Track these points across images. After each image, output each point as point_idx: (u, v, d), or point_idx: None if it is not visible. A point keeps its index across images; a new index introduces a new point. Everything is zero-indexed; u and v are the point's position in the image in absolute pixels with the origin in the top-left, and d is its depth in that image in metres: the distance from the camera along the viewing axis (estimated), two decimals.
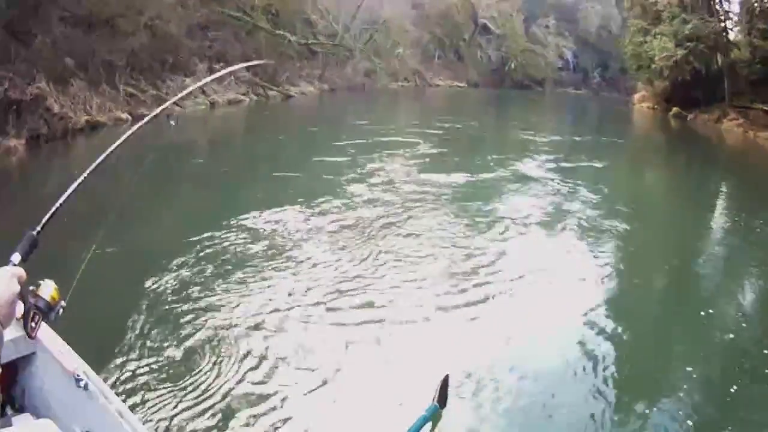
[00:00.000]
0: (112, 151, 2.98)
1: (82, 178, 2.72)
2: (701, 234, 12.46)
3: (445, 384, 5.01)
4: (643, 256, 10.27)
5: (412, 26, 52.31)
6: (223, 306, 6.89)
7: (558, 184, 14.80)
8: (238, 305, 6.92)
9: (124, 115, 20.00)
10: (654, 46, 33.82)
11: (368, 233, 9.80)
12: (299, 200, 11.42)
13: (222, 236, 9.20)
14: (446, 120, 26.92)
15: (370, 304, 7.17)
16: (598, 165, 18.42)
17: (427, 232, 10.07)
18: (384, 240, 9.51)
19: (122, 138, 3.10)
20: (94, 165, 2.81)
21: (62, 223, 2.65)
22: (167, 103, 3.74)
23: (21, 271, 2.02)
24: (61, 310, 2.28)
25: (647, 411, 5.47)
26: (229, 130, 23.87)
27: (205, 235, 9.15)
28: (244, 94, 28.54)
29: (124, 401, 3.79)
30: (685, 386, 5.90)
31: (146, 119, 3.40)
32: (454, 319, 6.99)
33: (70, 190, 2.64)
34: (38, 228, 2.39)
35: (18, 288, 1.95)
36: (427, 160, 17.15)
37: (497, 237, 10.11)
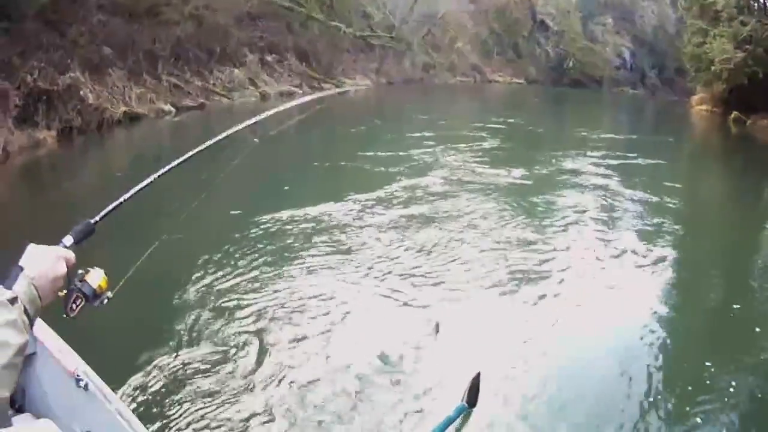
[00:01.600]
0: (197, 152, 2.69)
1: (158, 174, 2.53)
2: (759, 243, 11.53)
3: (476, 382, 4.79)
4: (695, 262, 9.62)
5: (470, 21, 50.18)
6: (283, 294, 6.77)
7: (615, 183, 13.89)
8: (301, 294, 6.79)
9: (167, 107, 18.67)
10: (714, 47, 31.17)
11: (426, 226, 9.54)
12: (357, 192, 11.03)
13: (282, 228, 8.99)
14: (506, 116, 25.44)
15: (420, 297, 6.94)
16: (656, 166, 17.24)
17: (482, 224, 9.81)
18: (441, 232, 9.23)
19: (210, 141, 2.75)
20: (173, 164, 2.62)
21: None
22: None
23: (70, 254, 1.97)
24: (106, 300, 2.13)
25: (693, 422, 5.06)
26: (276, 123, 22.27)
27: (261, 228, 8.93)
28: (297, 87, 26.93)
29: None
30: (732, 398, 5.43)
31: (241, 126, 3.01)
32: (498, 314, 6.73)
33: (141, 185, 2.46)
34: (97, 218, 2.23)
35: (64, 269, 1.91)
36: (487, 154, 16.25)
37: (551, 233, 9.70)
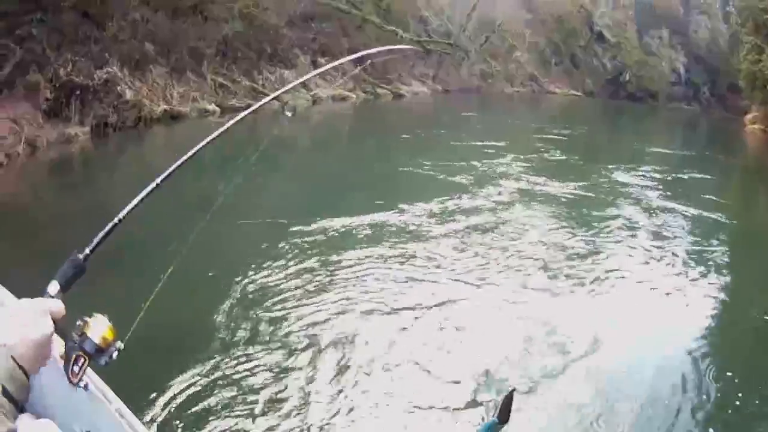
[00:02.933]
0: (195, 153, 2.20)
1: (153, 185, 2.10)
2: None
3: (509, 399, 4.32)
4: (744, 279, 9.12)
5: (528, 29, 48.24)
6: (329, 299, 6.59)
7: (666, 196, 13.51)
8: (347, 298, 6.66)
9: (211, 107, 17.47)
10: None
11: (481, 234, 9.35)
12: (415, 200, 10.68)
13: (335, 236, 8.67)
14: (563, 128, 24.33)
15: (467, 305, 6.80)
16: (707, 182, 16.55)
17: (538, 236, 9.54)
18: (495, 241, 9.08)
19: (210, 137, 2.27)
20: (173, 168, 2.22)
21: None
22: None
23: (58, 305, 1.62)
24: (116, 354, 1.79)
25: None
26: (333, 127, 21.59)
27: (315, 236, 8.57)
28: (350, 91, 25.61)
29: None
30: None
31: (245, 113, 2.52)
32: (541, 328, 6.43)
33: (134, 202, 2.05)
34: (86, 250, 1.79)
35: (51, 328, 1.59)
36: (544, 166, 15.60)
37: (604, 245, 9.48)
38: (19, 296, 1.82)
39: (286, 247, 8.01)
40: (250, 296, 6.53)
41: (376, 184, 12.58)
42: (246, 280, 6.87)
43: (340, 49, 25.56)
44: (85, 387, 2.66)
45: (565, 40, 51.54)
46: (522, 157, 16.11)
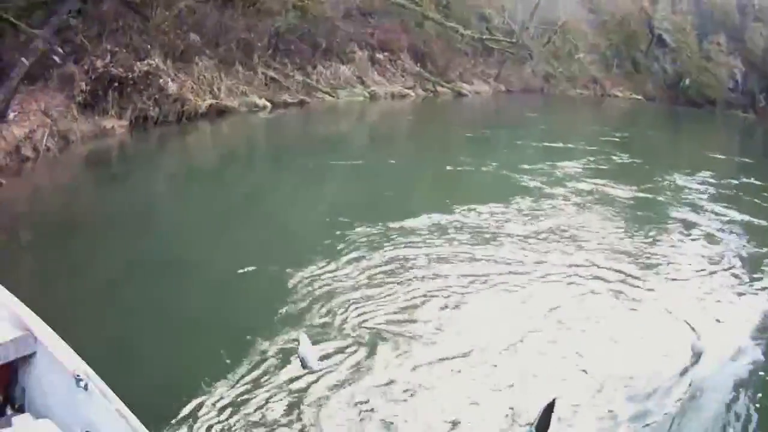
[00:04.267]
0: None
1: None
2: None
3: (549, 408, 4.33)
4: None
5: (590, 30, 45.86)
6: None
7: (725, 203, 12.72)
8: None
9: (261, 101, 16.17)
10: None
11: (543, 236, 9.00)
12: (475, 200, 10.28)
13: (397, 235, 8.37)
14: (626, 132, 22.95)
15: (527, 308, 6.65)
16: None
17: (594, 240, 9.22)
18: (558, 242, 8.83)
19: None
20: None
21: None
22: None
23: None
24: None
25: None
26: (392, 125, 20.14)
27: (379, 234, 8.32)
28: (410, 88, 24.00)
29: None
30: None
31: None
32: (595, 338, 6.19)
33: None
34: None
35: None
36: (607, 169, 14.86)
37: (663, 250, 9.15)
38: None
39: (351, 245, 7.79)
40: (318, 292, 6.41)
41: (439, 183, 12.17)
42: (313, 276, 6.73)
43: (399, 45, 24.07)
44: (85, 387, 2.82)
45: (627, 42, 49.20)
46: (585, 159, 15.30)
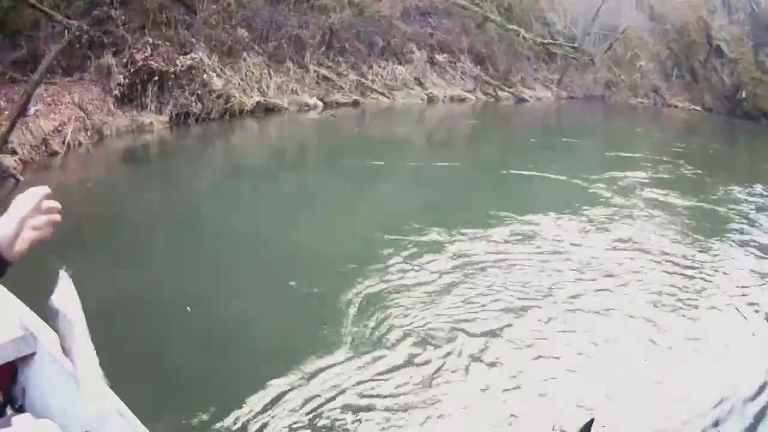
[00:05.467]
0: None
1: None
2: None
3: (587, 428, 4.03)
4: None
5: (650, 39, 43.79)
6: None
7: None
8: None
9: (312, 100, 14.99)
10: None
11: (604, 246, 8.34)
12: (536, 207, 9.64)
13: (457, 239, 7.82)
14: (687, 143, 21.48)
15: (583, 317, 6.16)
16: None
17: (661, 252, 8.39)
18: (620, 252, 8.20)
19: None
20: None
21: None
22: None
23: None
24: None
25: None
26: (452, 128, 18.79)
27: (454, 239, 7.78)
28: (469, 92, 22.49)
29: None
30: None
31: None
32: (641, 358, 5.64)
33: None
34: None
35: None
36: (670, 180, 13.69)
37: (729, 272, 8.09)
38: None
39: (404, 252, 7.26)
40: (367, 300, 5.98)
41: (500, 189, 11.43)
42: (363, 284, 6.26)
43: (459, 47, 22.63)
44: None
45: (686, 52, 47.00)
46: (648, 168, 14.23)
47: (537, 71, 29.95)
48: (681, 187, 12.64)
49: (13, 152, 8.92)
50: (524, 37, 27.14)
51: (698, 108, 45.93)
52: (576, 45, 33.54)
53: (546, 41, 30.53)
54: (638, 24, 42.18)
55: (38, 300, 3.63)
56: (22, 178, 8.40)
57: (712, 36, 49.23)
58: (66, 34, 10.32)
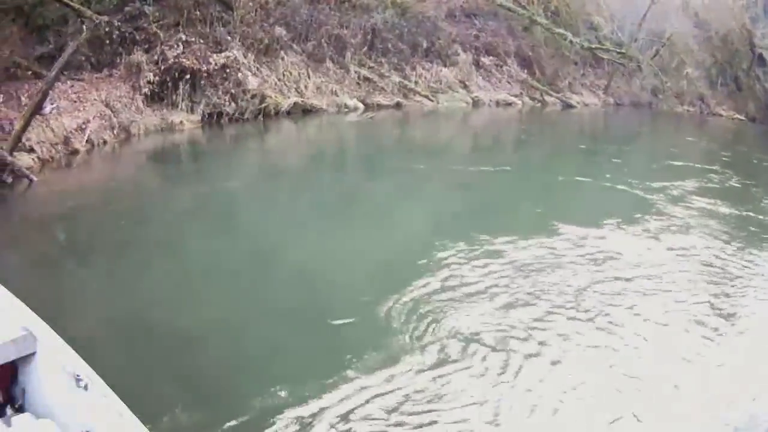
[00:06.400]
0: None
1: None
2: None
3: None
4: None
5: (695, 46, 42.15)
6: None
7: None
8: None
9: (352, 102, 14.06)
10: None
11: (658, 257, 7.77)
12: (587, 216, 9.09)
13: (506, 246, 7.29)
14: (734, 152, 20.98)
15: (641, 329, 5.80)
16: None
17: (713, 263, 7.86)
18: (675, 268, 7.51)
19: None
20: None
21: None
22: None
23: None
24: None
25: None
26: (499, 132, 17.92)
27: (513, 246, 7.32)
28: (516, 96, 21.34)
29: None
30: None
31: None
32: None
33: None
34: None
35: None
36: (720, 190, 12.86)
37: None
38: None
39: (451, 255, 6.85)
40: (411, 307, 5.64)
41: (549, 196, 10.57)
42: (406, 291, 5.89)
43: (505, 50, 21.49)
44: (86, 387, 2.83)
45: (730, 60, 45.33)
46: (697, 177, 13.45)
47: (584, 76, 28.63)
48: (729, 197, 11.93)
49: (31, 150, 8.24)
50: (571, 41, 25.96)
51: (742, 117, 44.65)
52: (623, 50, 32.23)
53: (593, 46, 29.22)
54: (684, 30, 40.67)
55: (38, 300, 3.61)
56: (35, 178, 7.69)
57: (755, 44, 47.71)
58: (84, 29, 9.61)
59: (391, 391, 4.45)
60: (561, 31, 25.44)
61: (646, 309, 6.21)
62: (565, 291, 6.34)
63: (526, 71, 22.61)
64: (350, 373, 4.59)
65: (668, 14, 37.91)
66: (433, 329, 5.31)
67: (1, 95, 8.58)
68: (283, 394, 4.30)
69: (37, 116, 8.39)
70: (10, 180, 7.71)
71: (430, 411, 4.31)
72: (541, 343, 5.32)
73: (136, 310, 5.12)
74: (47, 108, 8.54)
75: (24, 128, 7.85)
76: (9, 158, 7.54)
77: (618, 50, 31.48)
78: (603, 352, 5.36)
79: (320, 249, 6.90)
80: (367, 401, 4.31)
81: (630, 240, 8.28)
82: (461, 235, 7.41)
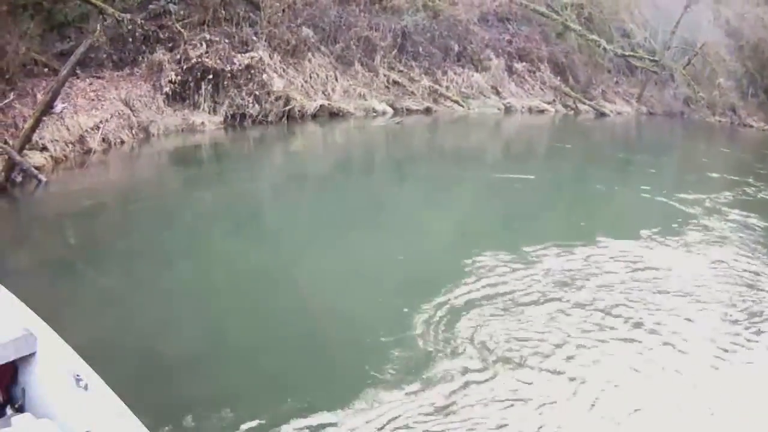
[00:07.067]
0: None
1: None
2: None
3: None
4: None
5: (727, 56, 40.97)
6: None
7: None
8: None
9: (381, 106, 13.47)
10: None
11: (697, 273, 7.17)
12: (621, 227, 8.51)
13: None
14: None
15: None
16: None
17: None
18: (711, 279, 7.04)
19: None
20: None
21: None
22: None
23: None
24: None
25: None
26: (533, 139, 17.24)
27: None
28: (549, 103, 20.57)
29: None
30: None
31: None
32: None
33: None
34: None
35: None
36: (753, 203, 12.14)
37: None
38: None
39: (482, 265, 6.45)
40: (438, 320, 5.23)
41: (584, 206, 10.07)
42: (433, 304, 5.47)
43: (539, 56, 20.74)
44: (86, 387, 2.79)
45: (761, 70, 44.00)
46: (732, 189, 12.78)
47: (617, 84, 27.76)
48: (765, 210, 11.31)
49: (44, 149, 7.79)
50: (605, 48, 25.11)
51: None
52: (656, 59, 31.32)
53: (627, 53, 28.33)
54: (716, 39, 39.68)
55: (38, 300, 3.57)
56: (44, 179, 7.23)
57: None
58: (98, 27, 9.17)
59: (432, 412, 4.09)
60: (594, 37, 24.64)
61: (693, 328, 5.78)
62: (607, 305, 5.93)
63: (559, 78, 21.77)
64: (375, 391, 4.25)
65: (700, 23, 36.93)
66: (469, 345, 4.93)
67: (17, 92, 8.18)
68: (317, 412, 4.01)
69: (51, 114, 7.96)
70: (20, 179, 7.29)
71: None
72: (594, 362, 4.94)
73: (141, 327, 4.65)
74: (58, 107, 8.10)
75: (34, 127, 7.40)
76: (18, 157, 7.10)
77: (651, 58, 30.60)
78: (663, 375, 4.90)
79: (346, 257, 6.45)
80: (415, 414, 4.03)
81: (671, 254, 7.78)
82: (495, 244, 6.95)
